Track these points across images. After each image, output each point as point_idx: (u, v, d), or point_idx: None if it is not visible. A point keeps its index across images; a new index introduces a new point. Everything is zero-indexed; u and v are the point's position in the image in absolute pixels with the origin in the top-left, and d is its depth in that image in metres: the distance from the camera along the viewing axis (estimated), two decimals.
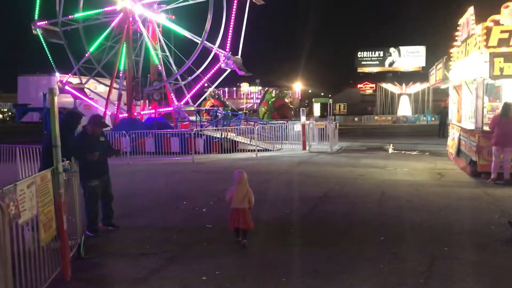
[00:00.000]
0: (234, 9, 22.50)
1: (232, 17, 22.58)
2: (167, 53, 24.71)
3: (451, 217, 8.21)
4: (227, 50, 22.92)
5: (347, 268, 5.76)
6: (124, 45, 23.34)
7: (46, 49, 25.05)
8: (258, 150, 20.27)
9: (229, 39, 22.78)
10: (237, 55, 23.31)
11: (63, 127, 6.40)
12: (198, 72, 23.57)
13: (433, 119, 53.61)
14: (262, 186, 11.91)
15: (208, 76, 23.35)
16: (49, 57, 25.20)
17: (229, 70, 23.46)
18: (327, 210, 9.01)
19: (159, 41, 24.58)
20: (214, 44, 23.24)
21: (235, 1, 22.34)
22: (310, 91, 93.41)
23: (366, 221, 8.07)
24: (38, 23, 24.90)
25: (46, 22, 25.17)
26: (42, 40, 24.95)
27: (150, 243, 6.93)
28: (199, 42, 22.82)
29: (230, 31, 22.69)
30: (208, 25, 22.43)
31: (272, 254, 6.40)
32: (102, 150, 7.41)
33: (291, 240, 7.08)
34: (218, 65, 23.09)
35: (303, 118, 21.08)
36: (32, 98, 29.45)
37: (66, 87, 24.89)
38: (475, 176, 12.54)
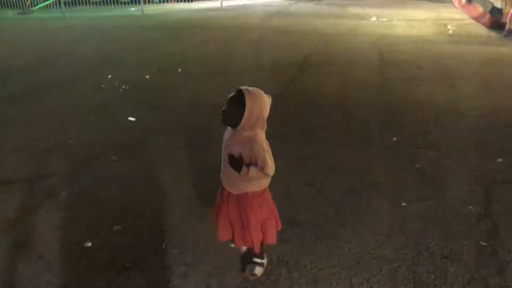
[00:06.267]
0: None
1: None
2: None
3: (485, 98, 5.72)
4: None
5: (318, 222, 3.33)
6: None
7: None
8: None
9: None
10: None
11: None
12: None
13: None
14: (222, 48, 9.08)
15: None
16: None
17: None
18: (308, 86, 6.37)
19: None
20: None
21: None
22: None
23: (365, 103, 5.51)
24: None
25: None
26: None
27: None
28: None
29: None
30: None
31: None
32: None
33: None
34: None
35: None
36: None
37: None
38: (495, 29, 9.90)
